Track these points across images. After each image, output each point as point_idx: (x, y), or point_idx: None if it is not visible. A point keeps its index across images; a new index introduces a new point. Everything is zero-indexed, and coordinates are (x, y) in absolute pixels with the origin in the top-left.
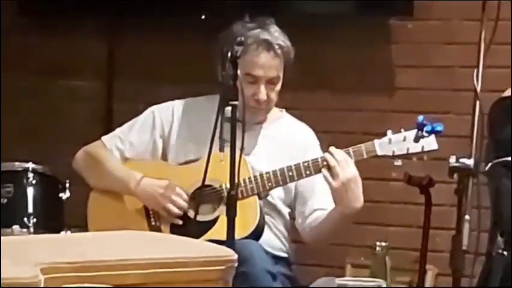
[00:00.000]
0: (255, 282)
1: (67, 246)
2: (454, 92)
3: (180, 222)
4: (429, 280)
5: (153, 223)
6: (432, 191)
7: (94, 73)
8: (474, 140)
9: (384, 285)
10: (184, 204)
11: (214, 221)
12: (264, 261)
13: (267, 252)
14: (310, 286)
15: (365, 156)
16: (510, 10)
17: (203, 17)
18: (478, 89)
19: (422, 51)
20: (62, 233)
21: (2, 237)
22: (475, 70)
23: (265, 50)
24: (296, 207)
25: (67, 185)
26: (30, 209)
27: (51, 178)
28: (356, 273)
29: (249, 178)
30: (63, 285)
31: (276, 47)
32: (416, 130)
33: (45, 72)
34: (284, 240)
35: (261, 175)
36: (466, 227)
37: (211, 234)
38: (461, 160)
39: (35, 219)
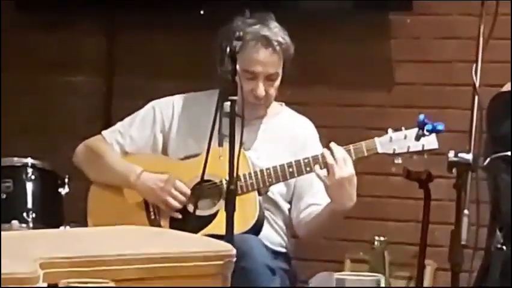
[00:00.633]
0: (254, 277)
1: (65, 241)
2: (452, 86)
3: (180, 216)
4: (428, 275)
5: (153, 217)
6: (431, 186)
7: (94, 69)
8: (473, 135)
9: (383, 280)
10: (184, 198)
11: (213, 216)
12: (264, 256)
13: (267, 248)
14: (309, 281)
15: (366, 154)
16: (510, 5)
17: (202, 12)
18: (477, 84)
19: (421, 46)
20: (61, 228)
21: (2, 232)
22: (474, 65)
23: (264, 46)
24: (293, 201)
25: (66, 180)
26: (29, 204)
27: (51, 173)
28: (355, 268)
29: (249, 173)
30: (62, 280)
31: (275, 43)
32: (417, 129)
33: (44, 68)
34: (283, 235)
35: (261, 171)
36: (465, 222)
37: (211, 228)
38: (460, 155)
39: (34, 214)
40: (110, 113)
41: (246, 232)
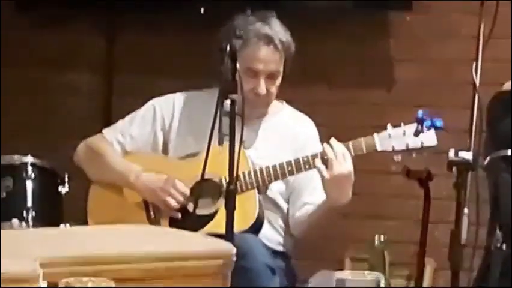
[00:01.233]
0: (254, 276)
1: (65, 240)
2: (452, 85)
3: (179, 215)
4: (428, 274)
5: (152, 216)
6: (431, 185)
7: (94, 67)
8: (473, 134)
9: (383, 279)
10: (183, 198)
11: (213, 215)
12: (263, 256)
13: (266, 247)
14: (309, 280)
15: (365, 151)
16: (510, 4)
17: (202, 11)
18: (477, 83)
19: (420, 44)
20: (61, 226)
21: (1, 231)
22: (474, 63)
23: (266, 44)
24: (290, 199)
25: (66, 179)
26: (29, 203)
27: (51, 172)
28: (355, 267)
29: (249, 172)
30: (62, 279)
31: (277, 41)
32: (415, 124)
33: (44, 66)
34: (283, 234)
35: (261, 169)
36: (465, 221)
37: (210, 227)
38: (460, 154)
39: (34, 213)
40: (110, 112)
41: (245, 231)
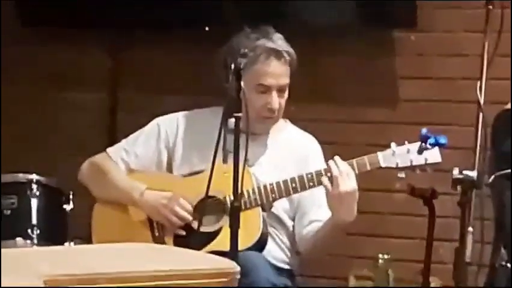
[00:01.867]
0: None
1: (70, 258)
2: (457, 103)
3: (184, 233)
4: None
5: (157, 234)
6: (435, 203)
7: (98, 84)
8: (477, 152)
9: None
10: (187, 215)
11: (217, 232)
12: (267, 273)
13: (271, 264)
14: None
15: (368, 169)
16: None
17: (207, 28)
18: (481, 101)
19: (425, 63)
20: (66, 244)
21: (6, 249)
22: (478, 82)
23: (275, 58)
24: (296, 217)
25: (71, 196)
26: (33, 221)
27: (55, 189)
28: (359, 285)
29: (253, 189)
30: None
31: (285, 54)
32: (419, 142)
33: (49, 83)
34: (288, 251)
35: (265, 186)
36: (469, 239)
37: (214, 245)
38: (464, 172)
39: (38, 231)
40: (115, 129)
41: (249, 248)
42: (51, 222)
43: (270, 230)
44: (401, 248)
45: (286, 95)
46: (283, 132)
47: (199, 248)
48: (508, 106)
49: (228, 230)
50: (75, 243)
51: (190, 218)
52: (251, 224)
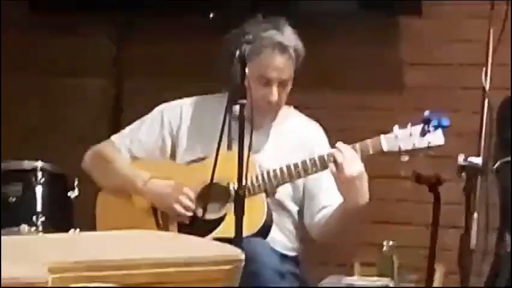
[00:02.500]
0: (263, 281)
1: (75, 246)
2: (462, 90)
3: (187, 221)
4: (437, 279)
5: (161, 222)
6: (440, 190)
7: (103, 72)
8: (483, 139)
9: (392, 285)
10: (191, 203)
11: (221, 219)
12: (272, 260)
13: (275, 251)
14: (319, 284)
15: (371, 152)
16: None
17: (212, 15)
18: (487, 87)
19: (430, 49)
20: (71, 232)
21: (10, 237)
22: (484, 68)
23: (280, 52)
24: (304, 204)
25: (76, 183)
26: (38, 208)
27: (60, 177)
28: (365, 272)
29: (256, 176)
30: (71, 285)
31: (291, 50)
32: (422, 125)
33: (54, 70)
34: (292, 238)
35: (268, 172)
36: (474, 226)
37: (219, 232)
38: (469, 159)
39: (43, 218)
40: (120, 117)
41: (253, 234)
42: (56, 209)
43: (274, 216)
44: (406, 234)
45: (288, 89)
46: (288, 119)
47: (203, 236)
48: None
49: (233, 216)
50: (80, 231)
51: (194, 207)
52: (255, 210)
